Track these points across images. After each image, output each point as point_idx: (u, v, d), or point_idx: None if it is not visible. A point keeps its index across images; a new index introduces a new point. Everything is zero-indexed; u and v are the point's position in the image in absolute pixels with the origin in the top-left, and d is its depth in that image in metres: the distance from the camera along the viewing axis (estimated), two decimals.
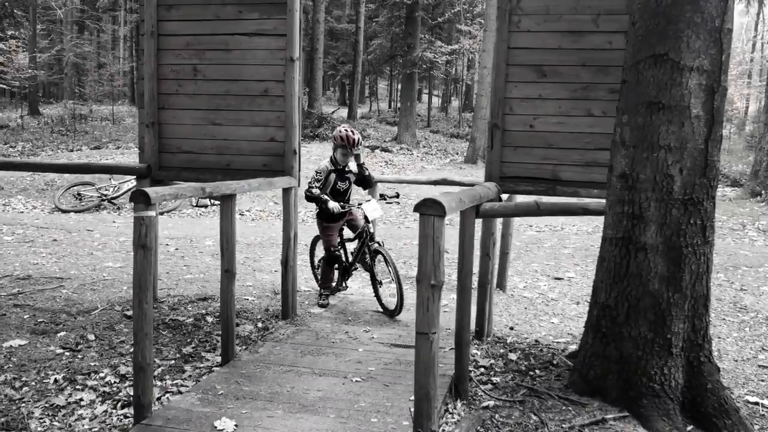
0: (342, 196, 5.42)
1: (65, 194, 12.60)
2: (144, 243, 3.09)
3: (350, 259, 5.60)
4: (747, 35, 37.52)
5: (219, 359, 4.15)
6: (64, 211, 11.93)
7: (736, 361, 4.36)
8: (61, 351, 4.30)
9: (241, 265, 7.05)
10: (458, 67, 36.01)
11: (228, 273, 4.01)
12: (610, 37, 4.31)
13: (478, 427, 3.20)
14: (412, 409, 2.95)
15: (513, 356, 4.26)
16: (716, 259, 6.20)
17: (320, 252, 5.77)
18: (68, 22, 31.64)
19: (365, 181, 5.51)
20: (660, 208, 3.21)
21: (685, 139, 3.16)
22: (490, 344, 4.54)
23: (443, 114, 35.51)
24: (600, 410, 3.28)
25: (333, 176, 5.33)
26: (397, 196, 5.71)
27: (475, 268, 4.27)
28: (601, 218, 3.62)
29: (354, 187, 5.60)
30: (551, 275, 7.07)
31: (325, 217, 5.34)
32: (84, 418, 3.41)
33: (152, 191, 3.15)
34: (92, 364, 4.10)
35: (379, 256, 5.26)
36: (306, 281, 6.39)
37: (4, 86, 24.66)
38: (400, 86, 29.63)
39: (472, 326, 4.16)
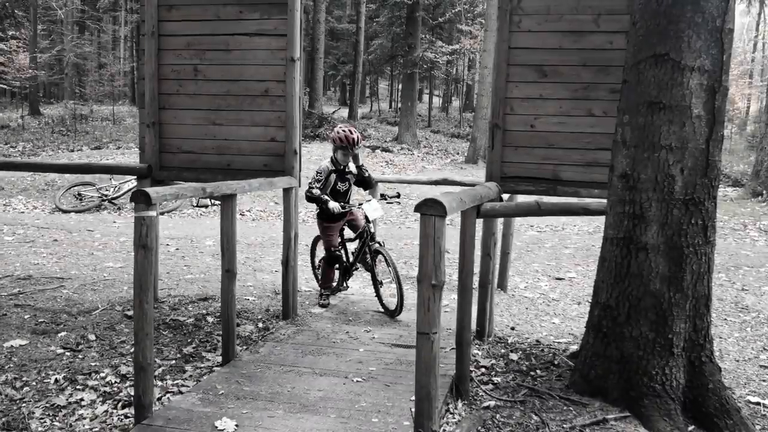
0: (342, 197, 5.42)
1: (66, 194, 12.61)
2: (145, 243, 3.09)
3: (351, 259, 5.59)
4: (748, 35, 37.46)
5: (219, 359, 4.15)
6: (65, 212, 11.94)
7: (738, 361, 4.36)
8: (62, 351, 4.30)
9: (241, 265, 7.04)
10: (459, 67, 35.98)
11: (229, 273, 4.01)
12: (610, 37, 4.31)
13: (479, 427, 3.19)
14: (413, 409, 2.95)
15: (514, 356, 4.26)
16: (717, 259, 6.19)
17: (321, 252, 5.77)
18: (69, 23, 31.67)
19: (365, 183, 5.51)
20: (661, 208, 3.21)
21: (686, 139, 3.16)
22: (491, 344, 4.53)
23: (444, 114, 35.47)
24: (601, 410, 3.27)
25: (333, 177, 5.33)
26: (398, 196, 5.70)
27: (476, 268, 4.27)
28: (602, 218, 3.62)
29: (354, 188, 5.60)
30: (552, 275, 7.06)
31: (325, 218, 5.34)
32: (85, 418, 3.41)
33: (153, 191, 3.15)
34: (93, 364, 4.11)
35: (380, 256, 5.25)
36: (307, 281, 6.39)
37: (5, 86, 24.69)
38: (400, 86, 29.58)
39: (473, 326, 4.15)
